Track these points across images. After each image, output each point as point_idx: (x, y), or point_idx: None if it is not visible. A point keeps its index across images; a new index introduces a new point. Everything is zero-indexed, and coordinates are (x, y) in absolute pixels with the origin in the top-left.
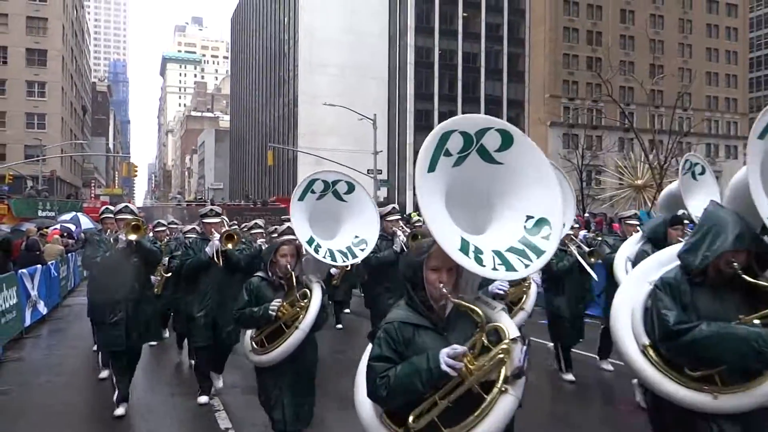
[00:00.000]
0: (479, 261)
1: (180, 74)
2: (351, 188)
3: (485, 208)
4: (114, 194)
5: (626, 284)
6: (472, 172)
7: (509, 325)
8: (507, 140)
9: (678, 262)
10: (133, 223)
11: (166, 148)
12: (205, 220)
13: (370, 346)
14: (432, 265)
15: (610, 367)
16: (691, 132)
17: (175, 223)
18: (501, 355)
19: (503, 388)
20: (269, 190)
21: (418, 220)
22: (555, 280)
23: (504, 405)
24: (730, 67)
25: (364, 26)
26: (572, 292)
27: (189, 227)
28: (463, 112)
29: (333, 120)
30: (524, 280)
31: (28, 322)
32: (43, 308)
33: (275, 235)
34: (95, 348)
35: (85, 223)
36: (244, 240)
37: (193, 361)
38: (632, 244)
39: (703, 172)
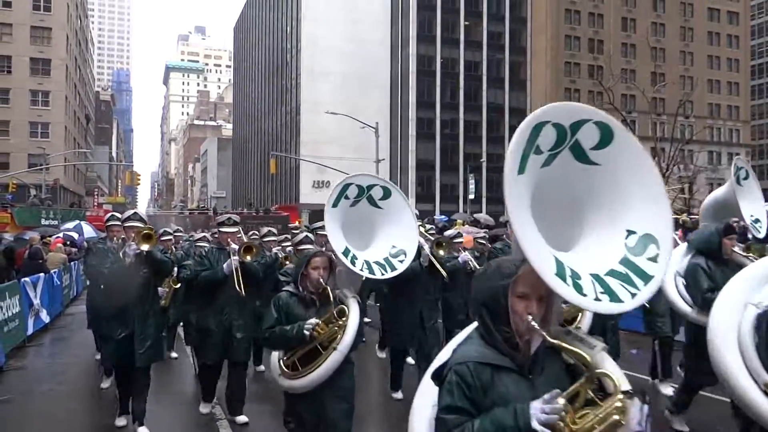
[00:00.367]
0: (578, 289)
1: (183, 83)
2: (387, 193)
3: (575, 219)
4: (117, 202)
5: (722, 308)
6: (562, 173)
7: (619, 374)
8: (606, 136)
9: None
10: (144, 231)
11: (168, 156)
12: (222, 229)
13: (429, 387)
14: (519, 292)
15: (670, 392)
16: (693, 139)
17: (180, 232)
18: (616, 416)
19: None
20: (272, 198)
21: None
22: None
23: None
24: (731, 74)
25: (367, 35)
26: None
27: (200, 235)
28: (464, 121)
29: (335, 128)
30: None
31: (30, 330)
32: (45, 317)
33: (288, 244)
34: (98, 357)
35: (88, 231)
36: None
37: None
38: (679, 257)
39: (747, 177)
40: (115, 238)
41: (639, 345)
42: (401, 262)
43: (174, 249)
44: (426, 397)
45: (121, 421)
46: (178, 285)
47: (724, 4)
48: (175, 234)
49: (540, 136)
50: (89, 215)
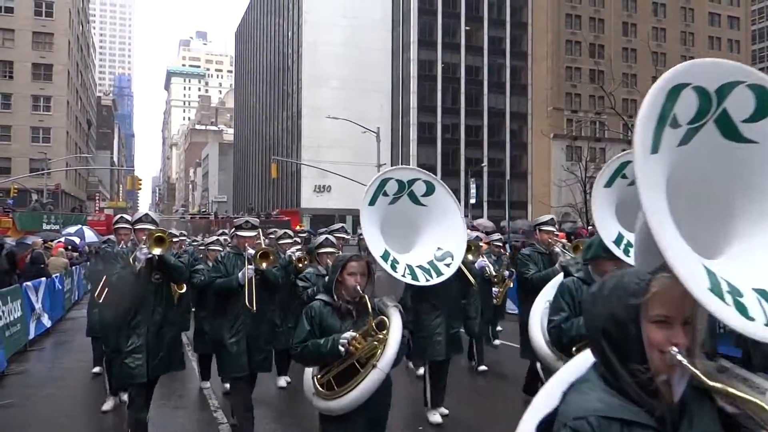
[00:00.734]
0: (742, 310)
1: (184, 88)
2: (430, 189)
3: (722, 216)
4: (118, 207)
5: None
6: (705, 154)
7: None
8: (764, 103)
9: None
10: (156, 234)
11: (170, 161)
12: (240, 233)
13: None
14: (656, 316)
15: None
16: None
17: (184, 235)
18: None
19: None
20: (273, 202)
21: None
22: None
23: None
24: None
25: (368, 40)
26: None
27: (212, 238)
28: (466, 125)
29: (336, 133)
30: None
31: (32, 334)
32: (47, 321)
33: (288, 241)
34: (96, 370)
35: (90, 236)
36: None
37: (227, 385)
38: None
39: None
40: (123, 242)
41: None
42: (448, 266)
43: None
44: None
45: (107, 406)
46: (183, 290)
47: (725, 9)
48: (179, 238)
49: (677, 104)
50: (90, 220)
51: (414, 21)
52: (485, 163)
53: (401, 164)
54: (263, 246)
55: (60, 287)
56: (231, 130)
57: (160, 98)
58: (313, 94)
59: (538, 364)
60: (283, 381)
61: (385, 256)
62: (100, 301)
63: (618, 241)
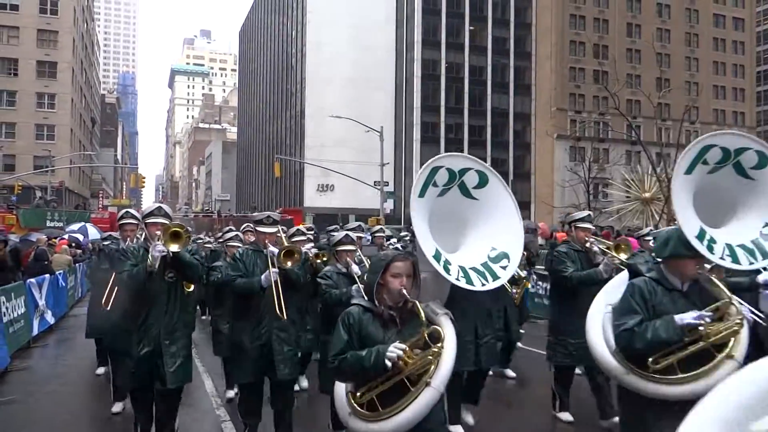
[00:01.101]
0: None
1: (188, 86)
2: (483, 180)
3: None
4: (122, 205)
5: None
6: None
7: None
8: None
9: None
10: (172, 229)
11: (173, 159)
12: (260, 229)
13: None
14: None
15: None
16: None
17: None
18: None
19: None
20: (276, 201)
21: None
22: None
23: None
24: (737, 80)
25: (371, 40)
26: None
27: (231, 234)
28: (469, 126)
29: (340, 132)
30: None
31: (35, 331)
32: (50, 318)
33: (302, 238)
34: (100, 371)
35: (93, 233)
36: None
37: (234, 392)
38: None
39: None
40: (129, 239)
41: None
42: (504, 268)
43: None
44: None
45: (116, 408)
46: (192, 288)
47: (730, 10)
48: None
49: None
50: (94, 217)
51: (418, 21)
52: (489, 163)
53: (404, 163)
54: (286, 244)
55: (63, 284)
56: (234, 129)
57: (164, 96)
58: (316, 94)
59: (553, 375)
60: (305, 382)
61: (437, 256)
62: (108, 307)
63: (701, 236)
